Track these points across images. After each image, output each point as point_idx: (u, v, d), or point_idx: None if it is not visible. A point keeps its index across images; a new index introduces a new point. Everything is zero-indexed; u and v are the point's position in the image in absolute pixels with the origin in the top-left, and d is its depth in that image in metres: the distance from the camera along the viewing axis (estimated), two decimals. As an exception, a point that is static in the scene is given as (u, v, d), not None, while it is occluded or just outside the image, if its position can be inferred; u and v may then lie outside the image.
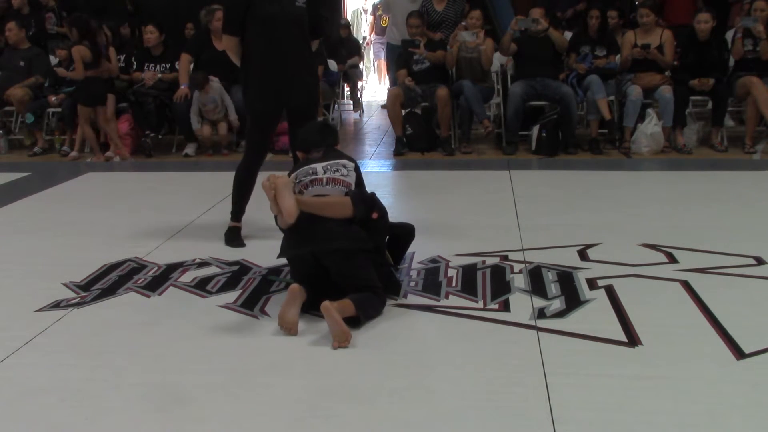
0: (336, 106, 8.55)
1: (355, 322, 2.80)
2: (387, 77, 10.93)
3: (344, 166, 3.13)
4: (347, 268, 2.92)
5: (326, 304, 2.69)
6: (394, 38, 7.77)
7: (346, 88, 9.69)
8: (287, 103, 3.89)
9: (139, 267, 3.65)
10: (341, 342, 2.68)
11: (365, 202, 3.04)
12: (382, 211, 3.10)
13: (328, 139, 3.33)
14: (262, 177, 4.00)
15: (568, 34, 7.01)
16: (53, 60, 7.65)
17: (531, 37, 6.64)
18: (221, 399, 2.36)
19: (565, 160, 6.26)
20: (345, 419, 2.23)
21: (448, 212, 4.53)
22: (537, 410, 2.24)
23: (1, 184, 5.79)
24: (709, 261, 3.50)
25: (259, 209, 4.62)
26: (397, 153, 6.69)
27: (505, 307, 3.04)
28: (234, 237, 4.04)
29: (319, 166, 3.10)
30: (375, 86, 12.05)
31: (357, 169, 3.20)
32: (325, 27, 4.41)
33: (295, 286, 2.84)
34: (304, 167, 3.13)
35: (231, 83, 6.91)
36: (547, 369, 2.48)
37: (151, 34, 7.10)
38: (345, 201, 2.98)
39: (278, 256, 3.10)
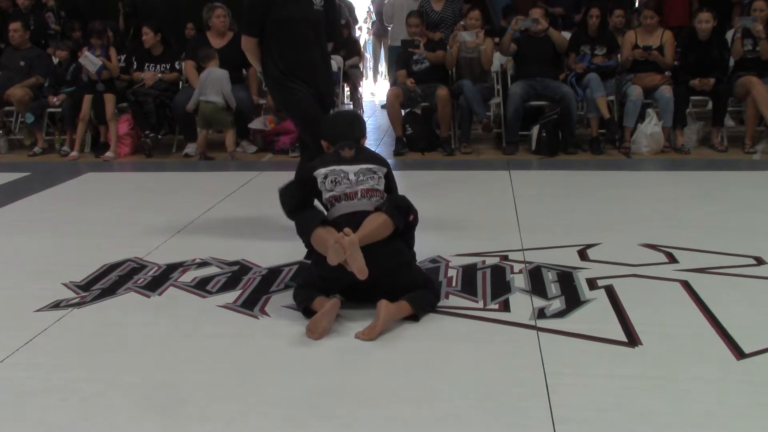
0: (336, 106, 8.55)
1: (413, 318, 2.88)
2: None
3: (375, 173, 3.07)
4: (396, 280, 2.93)
5: (383, 303, 2.78)
6: (396, 39, 7.77)
7: (347, 88, 9.69)
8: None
9: (139, 267, 3.65)
10: (365, 336, 2.74)
11: (400, 209, 2.98)
12: (415, 211, 3.08)
13: (357, 132, 3.25)
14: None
15: (566, 34, 7.01)
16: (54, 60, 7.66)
17: (531, 37, 6.64)
18: (221, 399, 2.36)
19: (565, 160, 6.25)
20: (345, 419, 2.23)
21: (448, 212, 4.53)
22: (537, 410, 2.24)
23: (1, 184, 5.79)
24: (709, 261, 3.50)
25: (260, 209, 4.63)
26: (397, 153, 6.69)
27: (505, 307, 3.04)
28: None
29: (351, 173, 3.02)
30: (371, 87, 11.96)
31: (388, 174, 3.14)
32: (339, 31, 4.46)
33: (336, 300, 2.85)
34: (335, 168, 3.04)
35: (232, 82, 6.91)
36: (547, 369, 2.48)
37: (146, 35, 7.11)
38: (386, 222, 2.89)
39: (315, 271, 3.04)
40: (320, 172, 3.05)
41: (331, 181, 3.03)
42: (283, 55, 3.79)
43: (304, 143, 3.97)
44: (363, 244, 2.80)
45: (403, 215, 2.97)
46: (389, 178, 3.16)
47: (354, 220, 2.90)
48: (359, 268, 2.78)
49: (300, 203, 3.14)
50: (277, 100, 4.04)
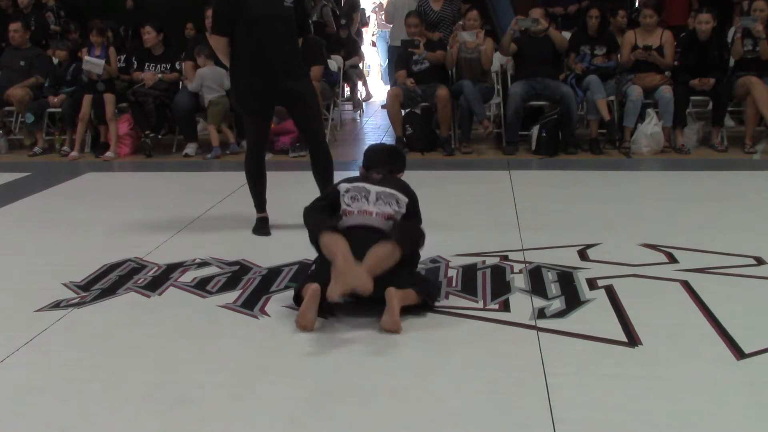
0: (336, 106, 8.54)
1: (422, 307, 2.88)
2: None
3: (397, 201, 3.11)
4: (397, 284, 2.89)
5: (390, 290, 2.74)
6: (396, 39, 7.76)
7: (346, 88, 9.68)
8: (278, 101, 3.93)
9: (139, 267, 3.65)
10: (390, 328, 2.74)
11: (411, 238, 2.99)
12: (424, 239, 3.09)
13: (394, 163, 3.39)
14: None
15: (566, 34, 7.01)
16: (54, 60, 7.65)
17: (531, 37, 6.64)
18: (221, 399, 2.36)
19: (565, 160, 6.25)
20: (345, 419, 2.23)
21: (448, 212, 4.52)
22: (537, 410, 2.24)
23: (1, 184, 5.79)
24: (709, 261, 3.50)
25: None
26: (397, 153, 6.67)
27: (505, 307, 3.04)
28: (260, 226, 4.20)
29: (372, 192, 3.09)
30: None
31: (412, 204, 3.17)
32: (309, 26, 4.50)
33: (315, 287, 2.81)
34: (358, 185, 3.13)
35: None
36: (547, 369, 2.48)
37: (148, 35, 7.10)
38: (392, 252, 2.85)
39: (312, 273, 3.10)
40: (343, 186, 3.15)
41: (351, 197, 3.10)
42: (251, 54, 3.85)
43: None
44: (373, 274, 2.78)
45: (412, 243, 2.99)
46: (412, 210, 3.18)
47: (363, 234, 2.93)
48: (364, 284, 2.74)
49: (319, 211, 3.17)
50: (233, 94, 4.13)
